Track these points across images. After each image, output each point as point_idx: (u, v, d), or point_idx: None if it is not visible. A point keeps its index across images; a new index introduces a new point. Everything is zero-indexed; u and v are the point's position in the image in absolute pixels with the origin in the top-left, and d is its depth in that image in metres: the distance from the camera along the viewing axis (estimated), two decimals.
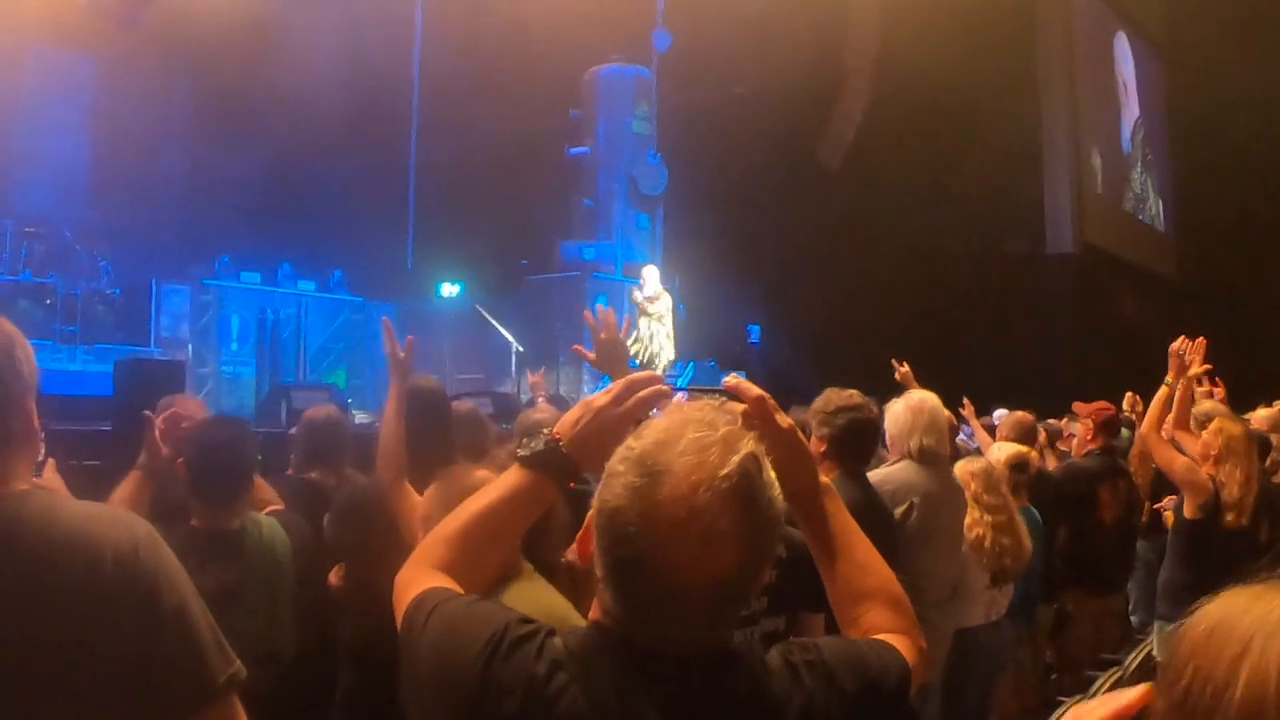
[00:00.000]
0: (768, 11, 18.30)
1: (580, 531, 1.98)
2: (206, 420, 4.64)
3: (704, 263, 20.46)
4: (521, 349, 17.04)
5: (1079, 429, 8.91)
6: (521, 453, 2.24)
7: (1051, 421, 9.77)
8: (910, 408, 6.05)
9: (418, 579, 2.13)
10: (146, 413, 4.65)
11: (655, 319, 17.54)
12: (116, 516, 2.50)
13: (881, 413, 5.95)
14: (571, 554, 2.59)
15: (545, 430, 2.26)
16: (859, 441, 5.29)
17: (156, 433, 4.50)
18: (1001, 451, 7.25)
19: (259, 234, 19.71)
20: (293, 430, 6.74)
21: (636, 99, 21.19)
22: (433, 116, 21.92)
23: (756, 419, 2.06)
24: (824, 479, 2.30)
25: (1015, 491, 6.83)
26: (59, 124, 19.74)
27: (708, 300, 20.52)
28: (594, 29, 20.15)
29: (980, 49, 18.94)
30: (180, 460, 4.39)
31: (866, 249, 19.90)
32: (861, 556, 2.29)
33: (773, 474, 1.85)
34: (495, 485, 2.25)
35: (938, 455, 5.96)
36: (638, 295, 17.65)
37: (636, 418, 2.20)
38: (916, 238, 20.04)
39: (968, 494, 6.05)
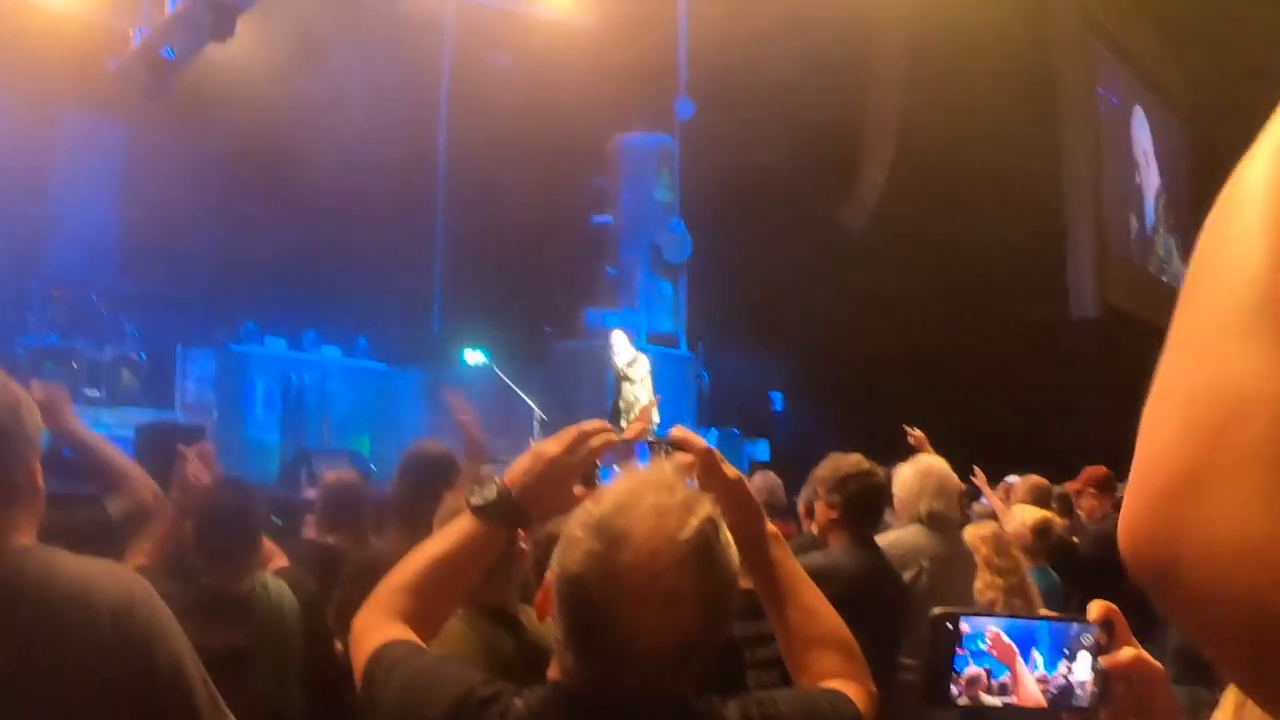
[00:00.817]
0: (791, 79, 18.43)
1: (539, 595, 2.01)
2: (215, 482, 4.67)
3: (727, 330, 20.48)
4: (545, 417, 17.03)
5: (1086, 500, 8.90)
6: (473, 501, 2.28)
7: (1068, 485, 9.72)
8: (919, 472, 6.07)
9: (375, 627, 2.18)
10: (180, 447, 4.73)
11: (638, 384, 17.45)
12: (113, 572, 2.57)
13: (889, 477, 5.97)
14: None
15: (496, 478, 2.30)
16: (869, 507, 5.32)
17: (189, 468, 4.58)
18: (1025, 514, 7.23)
19: (284, 300, 19.87)
20: (312, 493, 6.79)
21: (660, 167, 21.27)
22: (458, 184, 22.08)
23: (704, 471, 2.09)
24: (771, 527, 2.34)
25: (1035, 555, 6.81)
26: (88, 189, 19.98)
27: (730, 367, 20.51)
28: (617, 97, 20.29)
29: (1002, 114, 18.98)
30: (189, 523, 4.44)
31: (889, 315, 19.87)
32: (810, 603, 2.33)
33: (729, 536, 1.90)
34: (446, 533, 2.29)
35: (947, 520, 5.98)
36: (616, 363, 17.50)
37: (587, 466, 2.24)
38: (939, 302, 20.00)
39: (978, 558, 6.02)
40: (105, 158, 20.55)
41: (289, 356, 19.21)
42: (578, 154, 21.34)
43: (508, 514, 2.26)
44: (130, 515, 4.30)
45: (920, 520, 5.95)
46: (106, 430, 15.97)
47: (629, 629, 1.80)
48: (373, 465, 16.75)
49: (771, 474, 8.76)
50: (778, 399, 21.97)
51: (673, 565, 1.80)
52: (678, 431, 2.25)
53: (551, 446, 2.28)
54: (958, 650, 1.60)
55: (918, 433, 8.00)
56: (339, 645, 4.93)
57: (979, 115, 18.59)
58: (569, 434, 2.29)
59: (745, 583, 2.03)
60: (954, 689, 1.59)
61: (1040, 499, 8.14)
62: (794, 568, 2.36)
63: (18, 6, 18.24)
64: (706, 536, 1.83)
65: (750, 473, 10.62)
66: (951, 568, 5.85)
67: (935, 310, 20.09)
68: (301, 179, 19.00)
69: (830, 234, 20.48)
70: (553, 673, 1.97)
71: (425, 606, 2.22)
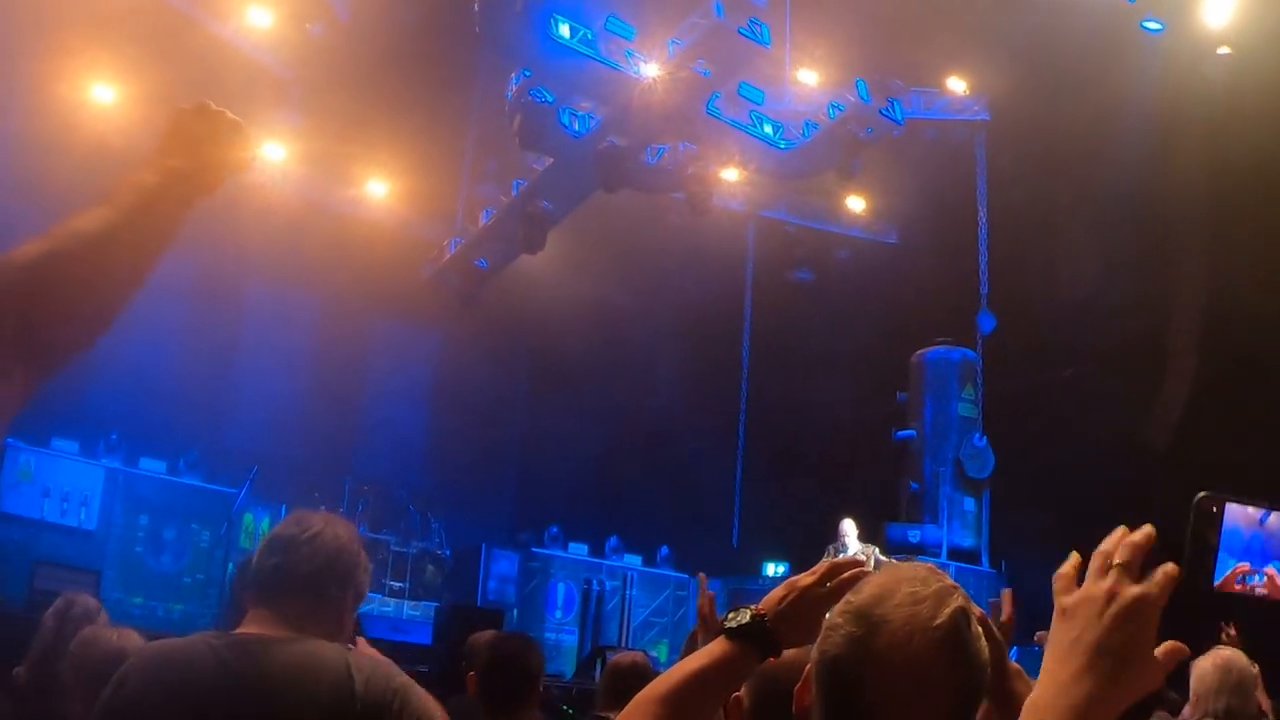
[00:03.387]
0: (1094, 291, 18.17)
1: (799, 684, 2.08)
2: (497, 635, 4.96)
3: (1030, 546, 19.97)
4: None
5: None
6: (729, 625, 2.37)
7: None
8: (1218, 666, 5.85)
9: None
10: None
11: None
12: (374, 658, 2.87)
13: (1186, 669, 5.79)
14: None
15: (751, 606, 2.40)
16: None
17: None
18: None
19: (588, 507, 20.33)
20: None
21: (963, 381, 21.16)
22: (760, 397, 22.34)
23: None
24: (1014, 665, 2.42)
25: None
26: (401, 393, 20.98)
27: (1034, 584, 19.84)
28: (919, 312, 20.37)
29: None
30: (471, 674, 4.69)
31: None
32: None
33: (980, 629, 1.96)
34: (702, 653, 2.38)
35: (1242, 716, 5.72)
36: (840, 553, 16.81)
37: (837, 599, 2.32)
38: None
39: None
40: (417, 361, 21.62)
41: (591, 562, 19.57)
42: (880, 368, 21.43)
43: (759, 638, 2.35)
44: None
45: (1215, 716, 5.71)
46: (408, 619, 16.64)
47: (884, 710, 1.87)
48: None
49: None
50: None
51: (927, 650, 1.86)
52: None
53: (805, 578, 2.39)
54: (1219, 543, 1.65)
55: (1234, 630, 7.70)
56: None
57: None
58: (822, 567, 2.39)
59: None
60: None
61: None
62: None
63: (340, 218, 19.55)
64: (959, 625, 1.90)
65: None
66: None
67: None
68: (606, 388, 19.59)
69: (1136, 448, 19.84)
70: None
71: (675, 716, 2.31)
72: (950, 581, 2.00)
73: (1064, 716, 1.53)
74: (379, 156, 19.64)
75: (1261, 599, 1.73)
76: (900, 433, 21.66)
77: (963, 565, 19.90)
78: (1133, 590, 1.57)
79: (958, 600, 1.93)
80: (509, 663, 4.74)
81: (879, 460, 21.67)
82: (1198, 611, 1.69)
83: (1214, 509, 1.68)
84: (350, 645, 3.66)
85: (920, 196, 20.38)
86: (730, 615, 2.40)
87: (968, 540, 20.72)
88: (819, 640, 1.99)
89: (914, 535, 20.15)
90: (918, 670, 1.85)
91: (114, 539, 16.33)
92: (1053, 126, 17.99)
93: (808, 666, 2.05)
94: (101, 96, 17.57)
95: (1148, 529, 1.63)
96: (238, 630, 2.89)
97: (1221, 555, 1.70)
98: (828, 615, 2.03)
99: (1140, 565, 1.62)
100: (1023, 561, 20.23)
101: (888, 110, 17.72)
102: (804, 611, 2.30)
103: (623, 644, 18.67)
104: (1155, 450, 19.56)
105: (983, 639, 1.96)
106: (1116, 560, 1.58)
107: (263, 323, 20.00)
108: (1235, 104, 16.03)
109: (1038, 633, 9.99)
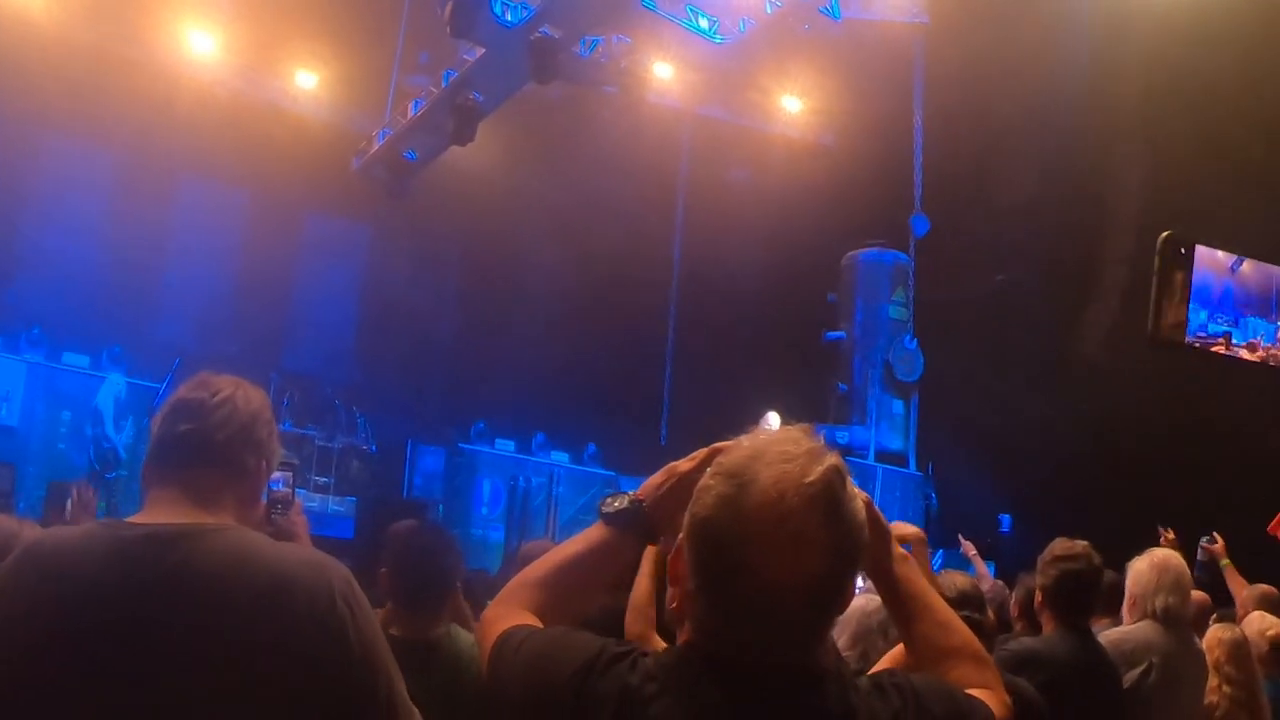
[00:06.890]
0: (1028, 197, 18.19)
1: (671, 553, 2.03)
2: (409, 529, 4.66)
3: (957, 450, 20.14)
4: None
5: None
6: (605, 510, 2.34)
7: None
8: (1154, 566, 5.83)
9: (506, 615, 2.23)
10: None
11: None
12: (313, 560, 2.60)
13: (1122, 571, 5.79)
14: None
15: (629, 492, 2.37)
16: (1072, 592, 5.10)
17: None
18: (1265, 624, 6.84)
19: (515, 404, 20.25)
20: None
21: (894, 284, 21.22)
22: (691, 295, 22.28)
23: None
24: (899, 549, 2.36)
25: (1269, 665, 6.46)
26: (330, 288, 20.78)
27: (959, 488, 20.14)
28: (852, 213, 20.32)
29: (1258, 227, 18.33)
30: (383, 570, 4.37)
31: (1122, 437, 19.22)
32: (942, 617, 2.35)
33: (854, 489, 1.94)
34: (580, 538, 2.36)
35: (1180, 616, 5.71)
36: None
37: None
38: (1172, 427, 19.27)
39: (1209, 659, 5.73)
40: (345, 257, 21.45)
41: (517, 458, 19.56)
42: (812, 269, 21.43)
43: (636, 524, 2.32)
44: None
45: (1153, 616, 5.70)
46: (332, 514, 16.57)
47: (757, 571, 1.84)
48: None
49: (1001, 582, 8.63)
50: (1006, 521, 21.43)
51: (799, 507, 1.84)
52: None
53: (684, 464, 2.32)
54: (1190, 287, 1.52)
55: (1171, 534, 7.72)
56: None
57: (1225, 224, 17.93)
58: (701, 452, 2.30)
59: None
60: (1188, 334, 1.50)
61: (1273, 609, 7.70)
62: (924, 586, 2.37)
63: (266, 111, 19.17)
64: (831, 483, 1.87)
65: None
66: (1183, 666, 5.58)
67: (1168, 434, 19.34)
68: (535, 284, 19.41)
69: (1063, 354, 19.98)
70: (683, 636, 2.01)
71: (553, 602, 2.27)
72: (824, 444, 1.97)
73: None
74: (309, 46, 19.20)
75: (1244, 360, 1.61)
76: (830, 334, 21.73)
77: (890, 467, 20.05)
78: None
79: (831, 460, 1.91)
80: (420, 562, 4.36)
81: (809, 361, 21.72)
82: (1167, 349, 1.55)
83: (1182, 250, 1.52)
84: (280, 512, 3.45)
85: (857, 99, 20.26)
86: (608, 500, 2.38)
87: (895, 442, 20.89)
88: (690, 504, 1.96)
89: (842, 436, 20.24)
90: (790, 528, 1.84)
91: (36, 436, 16.15)
92: (991, 31, 17.87)
93: (679, 535, 2.01)
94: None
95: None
96: (145, 513, 2.59)
97: (1192, 306, 1.56)
98: (702, 477, 1.98)
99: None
100: (950, 464, 20.39)
101: (825, 7, 17.52)
102: (682, 497, 2.17)
103: (550, 540, 18.71)
104: (1084, 353, 19.72)
105: (858, 500, 1.94)
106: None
107: (189, 216, 19.68)
108: (1173, 10, 15.99)
109: (961, 536, 10.17)
